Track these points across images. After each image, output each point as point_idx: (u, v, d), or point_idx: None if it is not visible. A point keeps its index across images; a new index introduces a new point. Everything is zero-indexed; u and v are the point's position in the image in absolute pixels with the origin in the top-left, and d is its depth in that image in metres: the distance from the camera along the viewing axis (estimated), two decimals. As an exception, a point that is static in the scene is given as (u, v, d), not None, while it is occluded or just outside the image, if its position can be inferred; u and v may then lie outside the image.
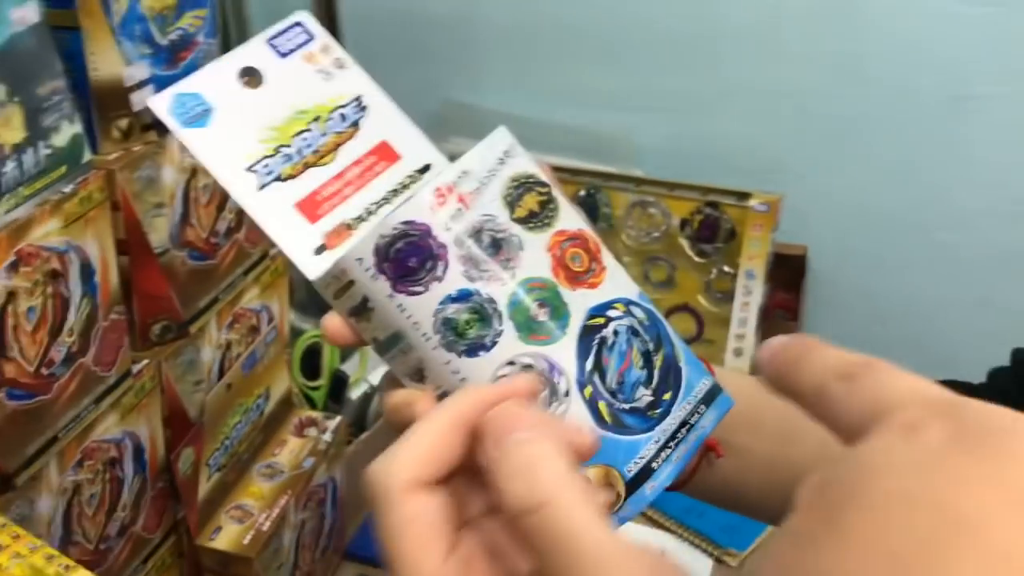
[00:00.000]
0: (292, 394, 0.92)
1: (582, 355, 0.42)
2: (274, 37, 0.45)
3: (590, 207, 1.28)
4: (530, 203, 0.43)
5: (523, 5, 1.35)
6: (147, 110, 0.67)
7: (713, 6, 1.27)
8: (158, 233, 0.71)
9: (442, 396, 0.41)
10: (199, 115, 0.42)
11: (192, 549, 0.79)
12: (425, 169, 0.47)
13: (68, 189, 0.62)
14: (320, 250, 0.43)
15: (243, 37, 1.25)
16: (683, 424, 0.43)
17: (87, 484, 0.68)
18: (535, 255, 0.42)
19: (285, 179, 0.43)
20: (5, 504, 0.60)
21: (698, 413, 0.44)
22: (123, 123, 0.67)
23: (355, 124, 0.46)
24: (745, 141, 1.32)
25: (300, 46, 0.45)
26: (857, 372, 0.30)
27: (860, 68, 1.24)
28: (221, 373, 0.81)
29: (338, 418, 0.91)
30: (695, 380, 0.45)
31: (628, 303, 0.44)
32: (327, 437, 0.88)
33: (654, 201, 1.25)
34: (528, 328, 0.41)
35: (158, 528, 0.78)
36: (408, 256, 0.40)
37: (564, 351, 0.42)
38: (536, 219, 0.43)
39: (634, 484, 0.42)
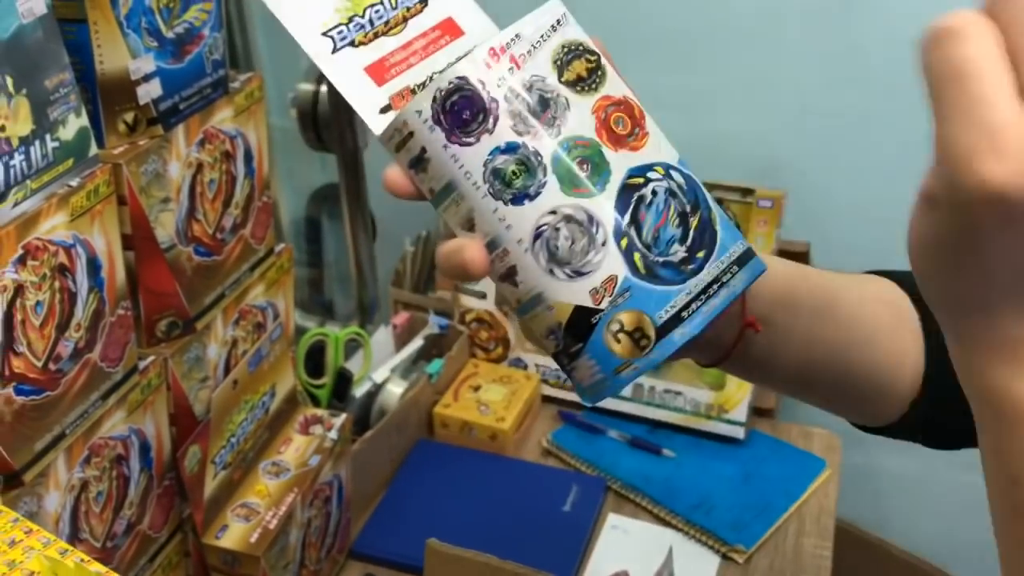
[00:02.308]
0: (297, 392, 0.92)
1: (620, 209, 0.44)
2: None
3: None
4: (578, 68, 0.46)
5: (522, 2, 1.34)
6: (153, 103, 0.67)
7: (715, 2, 1.27)
8: (164, 228, 0.70)
9: (489, 244, 0.44)
10: None
11: (198, 548, 0.78)
12: None
13: (75, 183, 0.62)
14: (386, 109, 0.47)
15: (244, 31, 1.25)
16: (715, 280, 0.45)
17: (94, 481, 0.67)
18: (580, 116, 0.45)
19: (357, 45, 0.47)
20: (13, 500, 0.59)
21: (730, 272, 0.46)
22: (129, 116, 0.67)
23: (423, 0, 0.49)
24: (746, 137, 1.32)
25: None
26: None
27: (862, 64, 1.24)
28: (227, 370, 0.80)
29: (343, 415, 0.90)
30: (729, 242, 0.46)
31: (668, 168, 0.46)
32: (333, 435, 0.88)
33: (657, 198, 1.24)
34: (570, 182, 0.44)
35: (164, 526, 0.77)
36: (462, 108, 0.43)
37: (603, 205, 0.44)
38: (583, 83, 0.46)
39: (664, 330, 0.44)
